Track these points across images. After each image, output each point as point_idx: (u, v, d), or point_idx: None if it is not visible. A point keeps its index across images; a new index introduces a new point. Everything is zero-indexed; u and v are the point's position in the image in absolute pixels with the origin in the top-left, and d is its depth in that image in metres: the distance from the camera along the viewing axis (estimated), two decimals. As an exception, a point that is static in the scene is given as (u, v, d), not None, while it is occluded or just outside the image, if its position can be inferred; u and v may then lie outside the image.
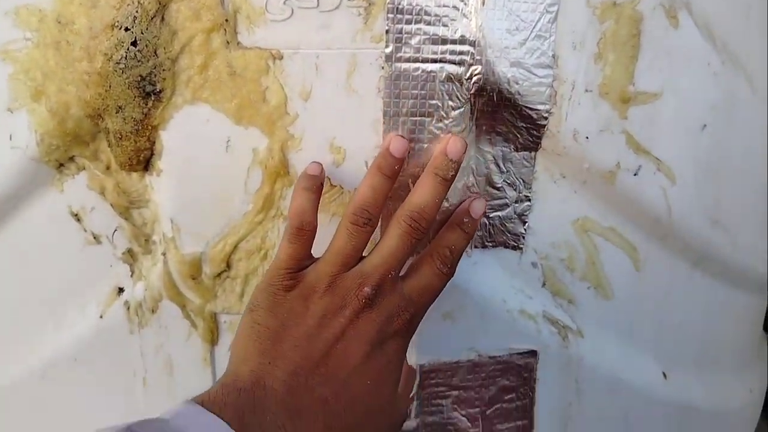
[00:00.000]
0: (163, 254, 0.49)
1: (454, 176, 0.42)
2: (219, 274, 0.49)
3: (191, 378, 0.53)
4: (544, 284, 0.52)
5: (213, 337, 0.51)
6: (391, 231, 0.40)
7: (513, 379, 0.53)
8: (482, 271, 0.50)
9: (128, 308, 0.52)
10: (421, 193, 0.41)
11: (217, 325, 0.51)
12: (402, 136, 0.43)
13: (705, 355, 0.65)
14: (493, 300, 0.51)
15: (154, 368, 0.53)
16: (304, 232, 0.40)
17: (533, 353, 0.53)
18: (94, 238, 0.51)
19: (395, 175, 0.41)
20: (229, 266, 0.49)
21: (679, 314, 0.60)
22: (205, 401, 0.33)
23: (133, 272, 0.52)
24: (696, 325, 0.62)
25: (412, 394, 0.43)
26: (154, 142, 0.45)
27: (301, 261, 0.40)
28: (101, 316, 0.53)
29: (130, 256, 0.51)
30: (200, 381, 0.52)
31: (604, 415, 0.58)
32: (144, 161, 0.46)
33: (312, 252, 0.41)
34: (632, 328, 0.57)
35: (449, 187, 0.42)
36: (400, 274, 0.41)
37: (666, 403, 0.61)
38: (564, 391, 0.55)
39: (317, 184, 0.42)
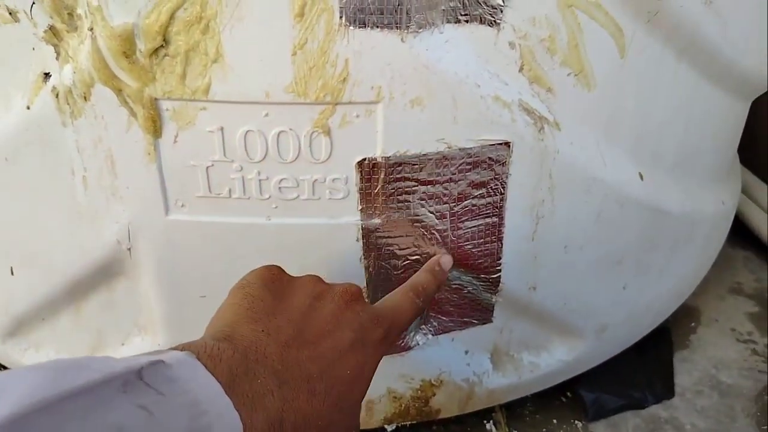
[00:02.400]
0: (90, 29, 0.43)
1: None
2: (156, 51, 0.43)
3: (136, 176, 0.48)
4: (521, 69, 0.48)
5: (156, 127, 0.46)
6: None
7: (484, 173, 0.50)
8: (454, 51, 0.45)
9: (57, 96, 0.46)
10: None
11: (158, 112, 0.45)
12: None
13: (682, 159, 0.62)
14: (465, 84, 0.46)
15: (95, 165, 0.49)
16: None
17: (506, 145, 0.49)
18: (10, 14, 0.45)
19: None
20: (166, 41, 0.43)
21: (661, 112, 0.56)
22: (201, 353, 0.32)
23: (58, 54, 0.45)
24: (677, 126, 0.59)
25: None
26: None
27: None
28: (28, 107, 0.47)
29: (53, 35, 0.45)
30: (145, 179, 0.48)
31: (577, 214, 0.56)
32: None
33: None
34: (612, 124, 0.54)
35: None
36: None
37: (640, 204, 0.59)
38: (537, 188, 0.52)
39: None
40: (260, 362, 0.34)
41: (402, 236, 0.51)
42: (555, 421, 0.73)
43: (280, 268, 0.42)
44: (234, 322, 0.36)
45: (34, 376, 0.25)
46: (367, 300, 0.43)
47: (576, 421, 0.73)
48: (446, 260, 0.52)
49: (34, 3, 0.44)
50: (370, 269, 0.52)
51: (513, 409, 0.74)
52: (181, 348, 0.32)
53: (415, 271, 0.53)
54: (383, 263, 0.52)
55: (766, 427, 0.72)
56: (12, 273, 0.57)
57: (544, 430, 0.72)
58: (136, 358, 0.29)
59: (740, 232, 1.02)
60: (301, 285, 0.41)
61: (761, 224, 1.01)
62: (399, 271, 0.53)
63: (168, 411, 0.28)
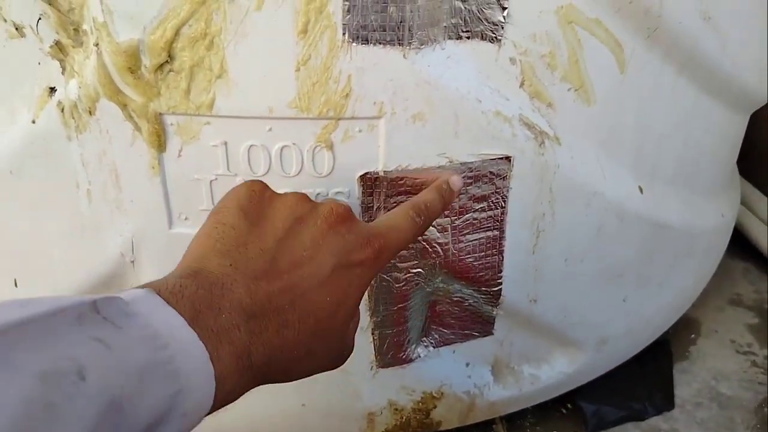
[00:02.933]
0: (96, 45, 0.43)
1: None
2: (161, 67, 0.43)
3: (140, 189, 0.49)
4: (522, 84, 0.48)
5: (160, 141, 0.46)
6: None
7: (485, 187, 0.50)
8: (456, 66, 0.46)
9: (62, 110, 0.46)
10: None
11: (163, 127, 0.46)
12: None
13: (682, 174, 0.63)
14: (466, 99, 0.47)
15: (99, 179, 0.49)
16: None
17: (507, 159, 0.50)
18: (17, 29, 0.45)
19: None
20: (171, 57, 0.43)
21: (660, 126, 0.57)
22: (161, 290, 0.30)
23: (64, 69, 0.46)
24: (676, 140, 0.59)
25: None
26: None
27: None
28: (33, 121, 0.48)
29: (59, 50, 0.45)
30: (149, 192, 0.48)
31: (577, 228, 0.56)
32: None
33: None
34: (612, 138, 0.54)
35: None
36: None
37: (640, 217, 0.59)
38: (537, 201, 0.53)
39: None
40: (226, 297, 0.32)
41: (403, 249, 0.52)
42: (555, 432, 0.73)
43: (262, 183, 0.39)
44: (202, 256, 0.34)
45: None
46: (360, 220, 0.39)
47: (576, 433, 0.73)
48: (456, 180, 0.47)
49: (40, 18, 0.44)
50: (372, 282, 0.53)
51: (513, 420, 0.74)
52: (142, 287, 0.30)
53: (417, 285, 0.54)
54: (385, 276, 0.53)
55: (766, 439, 0.72)
56: (16, 285, 0.57)
57: (544, 441, 0.72)
58: (90, 296, 0.28)
59: (740, 244, 1.03)
60: (282, 205, 0.37)
61: (760, 236, 1.02)
62: (401, 284, 0.53)
63: (126, 344, 0.26)
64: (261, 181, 0.39)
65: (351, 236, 0.37)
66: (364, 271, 0.38)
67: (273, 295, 0.34)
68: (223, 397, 0.30)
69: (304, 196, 0.38)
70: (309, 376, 0.37)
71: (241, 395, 0.32)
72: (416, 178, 0.49)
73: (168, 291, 0.30)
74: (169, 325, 0.28)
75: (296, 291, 0.35)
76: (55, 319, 0.25)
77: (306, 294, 0.35)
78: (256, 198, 0.37)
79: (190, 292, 0.30)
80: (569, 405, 0.76)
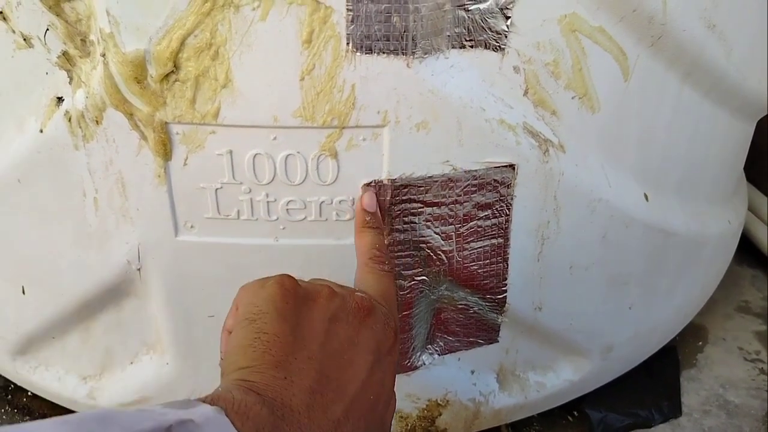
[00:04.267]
0: (103, 55, 0.44)
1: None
2: (166, 76, 0.44)
3: (146, 198, 0.49)
4: (526, 92, 0.48)
5: (166, 150, 0.47)
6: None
7: (489, 195, 0.51)
8: (459, 75, 0.46)
9: (70, 120, 0.47)
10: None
11: (169, 136, 0.46)
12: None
13: (687, 181, 0.63)
14: (470, 107, 0.47)
15: (105, 187, 0.49)
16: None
17: (511, 167, 0.50)
18: (25, 40, 0.46)
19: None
20: (177, 67, 0.43)
21: (665, 133, 0.57)
22: (229, 410, 0.30)
23: (71, 79, 0.46)
24: (681, 147, 0.59)
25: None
26: None
27: None
28: (41, 131, 0.48)
29: (66, 60, 0.46)
30: (156, 201, 0.49)
31: (582, 235, 0.56)
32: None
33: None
34: (616, 145, 0.54)
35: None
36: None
37: (646, 225, 0.59)
38: (542, 209, 0.53)
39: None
40: (287, 418, 0.32)
41: (408, 257, 0.52)
42: (561, 440, 0.73)
43: (292, 280, 0.39)
44: (253, 368, 0.34)
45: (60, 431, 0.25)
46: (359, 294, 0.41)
47: (583, 441, 0.73)
48: (368, 202, 0.48)
49: (48, 29, 0.45)
50: (377, 290, 0.53)
51: (519, 428, 0.73)
52: (210, 401, 0.30)
53: (421, 292, 0.54)
54: (389, 284, 0.53)
55: (774, 447, 0.72)
56: (23, 292, 0.58)
57: (550, 449, 0.72)
58: (164, 413, 0.28)
59: (747, 250, 1.02)
60: (315, 305, 0.38)
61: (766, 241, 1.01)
62: (405, 292, 0.53)
63: None
64: (290, 277, 0.39)
65: (378, 326, 0.39)
66: (390, 360, 0.40)
67: (327, 407, 0.34)
68: None
69: (331, 290, 0.39)
70: None
71: None
72: (419, 186, 0.49)
73: (234, 411, 0.30)
74: None
75: (346, 398, 0.35)
76: None
77: (355, 399, 0.35)
78: (290, 298, 0.37)
79: (254, 413, 0.31)
80: (575, 412, 0.76)
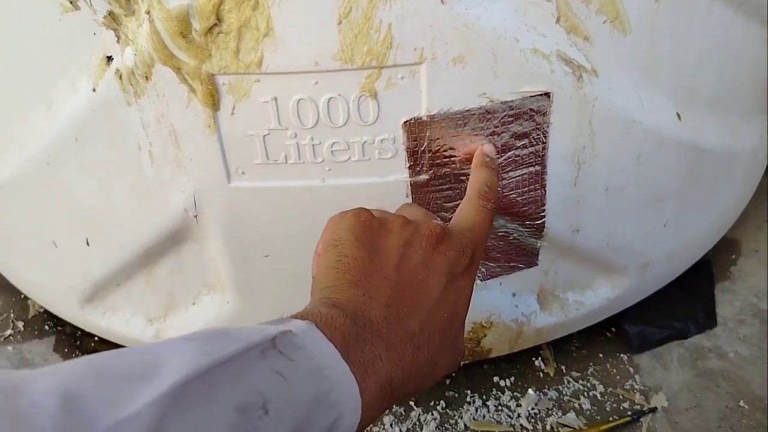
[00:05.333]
0: (147, 13, 0.46)
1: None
2: (210, 29, 0.45)
3: (199, 147, 0.51)
4: (558, 20, 0.49)
5: (214, 101, 0.49)
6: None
7: (526, 124, 0.52)
8: (492, 7, 0.47)
9: (120, 77, 0.49)
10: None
11: (216, 87, 0.48)
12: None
13: (719, 97, 0.63)
14: (504, 38, 0.48)
15: (159, 140, 0.52)
16: None
17: (547, 95, 0.51)
18: (71, 2, 0.47)
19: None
20: (219, 19, 0.45)
21: (696, 51, 0.57)
22: (318, 322, 0.34)
23: (119, 37, 0.48)
24: (712, 64, 0.59)
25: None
26: None
27: None
28: (94, 90, 0.51)
29: (112, 20, 0.47)
30: (208, 150, 0.51)
31: (617, 157, 0.57)
32: None
33: None
34: (648, 66, 0.55)
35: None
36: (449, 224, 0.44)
37: (679, 143, 0.60)
38: (577, 135, 0.54)
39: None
40: (368, 328, 0.36)
41: (449, 190, 0.54)
42: (601, 355, 0.76)
43: (367, 212, 0.42)
44: (336, 287, 0.38)
45: (189, 347, 0.29)
46: (447, 226, 0.43)
47: (621, 354, 0.76)
48: (489, 148, 0.51)
49: (92, -9, 0.46)
50: (421, 222, 0.55)
51: (560, 345, 0.77)
52: (301, 317, 0.34)
53: (464, 222, 0.56)
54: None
55: (807, 351, 0.74)
56: (87, 244, 0.61)
57: (590, 363, 0.75)
58: (266, 328, 0.32)
59: (780, 162, 1.02)
60: (389, 232, 0.41)
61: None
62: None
63: (298, 375, 0.30)
64: (366, 210, 0.42)
65: (451, 252, 0.41)
66: (467, 280, 0.42)
67: (403, 320, 0.38)
68: (364, 425, 0.34)
69: (405, 219, 0.42)
70: (433, 384, 0.41)
71: (376, 418, 0.36)
72: (458, 120, 0.50)
73: (323, 323, 0.34)
74: (328, 357, 0.32)
75: (421, 314, 0.39)
76: (247, 354, 0.29)
77: (429, 315, 0.39)
78: (366, 227, 0.41)
79: (339, 324, 0.34)
80: (613, 329, 0.79)
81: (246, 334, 0.30)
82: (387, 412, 0.71)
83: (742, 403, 0.69)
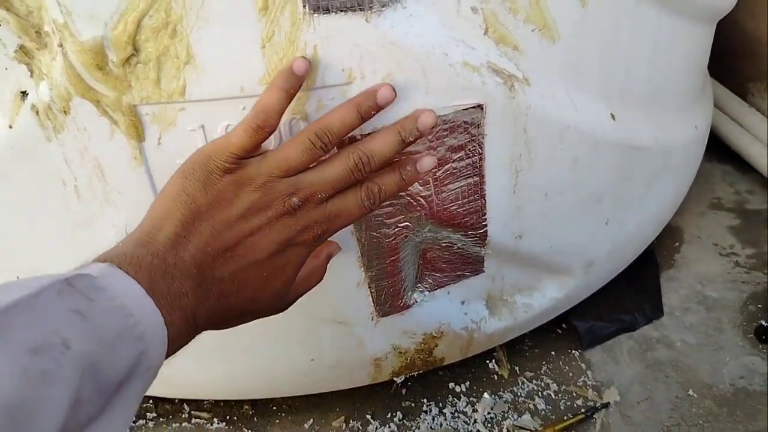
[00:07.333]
0: (60, 45, 0.43)
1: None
2: (127, 60, 0.44)
3: (126, 180, 0.50)
4: (486, 32, 0.49)
5: (138, 132, 0.47)
6: (337, 160, 0.44)
7: (461, 137, 0.52)
8: (419, 24, 0.46)
9: (37, 113, 0.47)
10: (373, 139, 0.46)
11: (139, 118, 0.46)
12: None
13: (652, 94, 0.64)
14: (433, 54, 0.47)
15: (84, 175, 0.50)
16: (264, 131, 0.42)
17: (480, 107, 0.51)
18: (-23, 38, 0.45)
19: (367, 119, 0.45)
20: (137, 49, 0.43)
21: (626, 52, 0.58)
22: (122, 263, 0.35)
23: (32, 72, 0.46)
24: (642, 62, 0.60)
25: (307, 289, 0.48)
26: None
27: (249, 153, 0.42)
28: (11, 126, 0.48)
29: (24, 54, 0.45)
30: (136, 182, 0.49)
31: (554, 163, 0.58)
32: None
33: None
34: (579, 71, 0.55)
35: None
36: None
37: (614, 144, 0.61)
38: (513, 143, 0.54)
39: (296, 86, 0.43)
40: (177, 266, 0.37)
41: (389, 206, 0.53)
42: (553, 353, 0.77)
43: (228, 161, 0.41)
44: (161, 223, 0.39)
45: None
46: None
47: (573, 351, 0.77)
48: (430, 161, 0.47)
49: (0, 25, 0.44)
50: (363, 240, 0.55)
51: (512, 346, 0.77)
52: (103, 259, 0.35)
53: (406, 237, 0.56)
54: (374, 233, 0.54)
55: (751, 335, 0.77)
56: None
57: (543, 362, 0.76)
58: (59, 274, 0.32)
59: (717, 147, 1.05)
60: (240, 191, 0.41)
61: (736, 139, 1.03)
62: (390, 239, 0.55)
63: (99, 314, 0.31)
64: (235, 156, 0.41)
65: (297, 227, 0.43)
66: (302, 250, 0.44)
67: (215, 266, 0.40)
68: (172, 351, 0.36)
69: (269, 180, 0.42)
70: (245, 323, 0.44)
71: (183, 346, 0.38)
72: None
73: (127, 263, 0.35)
74: (131, 295, 0.34)
75: (235, 266, 0.41)
76: (40, 297, 0.30)
77: (245, 269, 0.41)
78: (222, 173, 0.41)
79: (146, 263, 0.36)
80: (564, 325, 0.80)
81: (35, 280, 0.31)
82: (343, 426, 0.70)
83: (691, 392, 0.71)
